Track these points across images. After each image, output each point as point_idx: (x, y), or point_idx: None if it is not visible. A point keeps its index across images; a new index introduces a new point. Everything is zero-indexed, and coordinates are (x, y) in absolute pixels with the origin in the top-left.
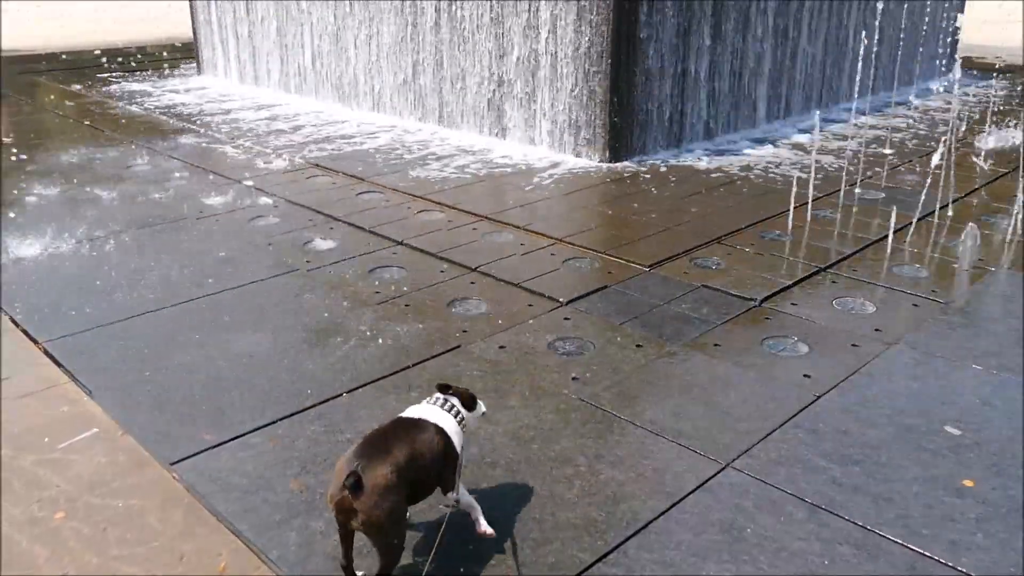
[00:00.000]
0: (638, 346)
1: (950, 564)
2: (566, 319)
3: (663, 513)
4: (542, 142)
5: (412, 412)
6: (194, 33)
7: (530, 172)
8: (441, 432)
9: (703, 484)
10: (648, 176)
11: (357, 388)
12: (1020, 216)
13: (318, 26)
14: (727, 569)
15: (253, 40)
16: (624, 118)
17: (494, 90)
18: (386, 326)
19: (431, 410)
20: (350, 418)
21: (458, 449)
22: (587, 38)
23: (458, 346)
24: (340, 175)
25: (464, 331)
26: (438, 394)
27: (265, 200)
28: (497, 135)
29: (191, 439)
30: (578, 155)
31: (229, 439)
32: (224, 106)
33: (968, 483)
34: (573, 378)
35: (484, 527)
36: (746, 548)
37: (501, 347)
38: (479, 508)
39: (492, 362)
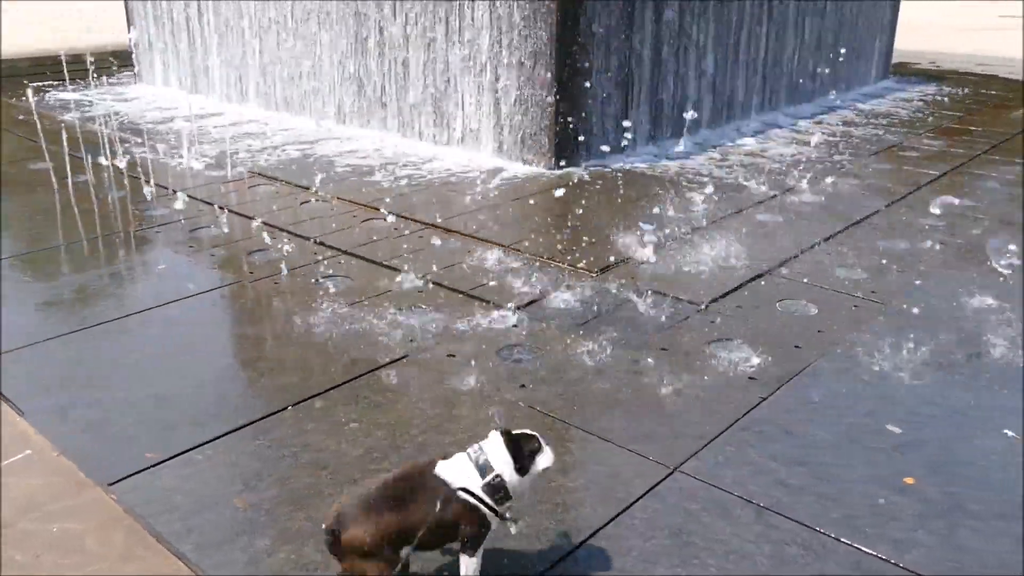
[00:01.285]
0: (586, 352)
1: (894, 562)
2: (514, 326)
3: (612, 519)
4: (488, 149)
5: (445, 465)
6: (131, 40)
7: (476, 179)
8: (458, 499)
9: (652, 489)
10: (594, 181)
11: (302, 401)
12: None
13: (261, 32)
14: (677, 573)
15: (194, 47)
16: (569, 124)
17: (438, 98)
18: (333, 336)
19: (465, 468)
20: (296, 431)
21: (488, 516)
22: (531, 44)
23: (406, 355)
24: (282, 184)
25: (412, 340)
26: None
27: (208, 209)
28: (442, 143)
29: (131, 458)
30: (524, 162)
31: (170, 457)
32: (161, 115)
33: (909, 481)
34: (521, 386)
35: None
36: (695, 551)
37: (450, 355)
38: None
39: (440, 371)
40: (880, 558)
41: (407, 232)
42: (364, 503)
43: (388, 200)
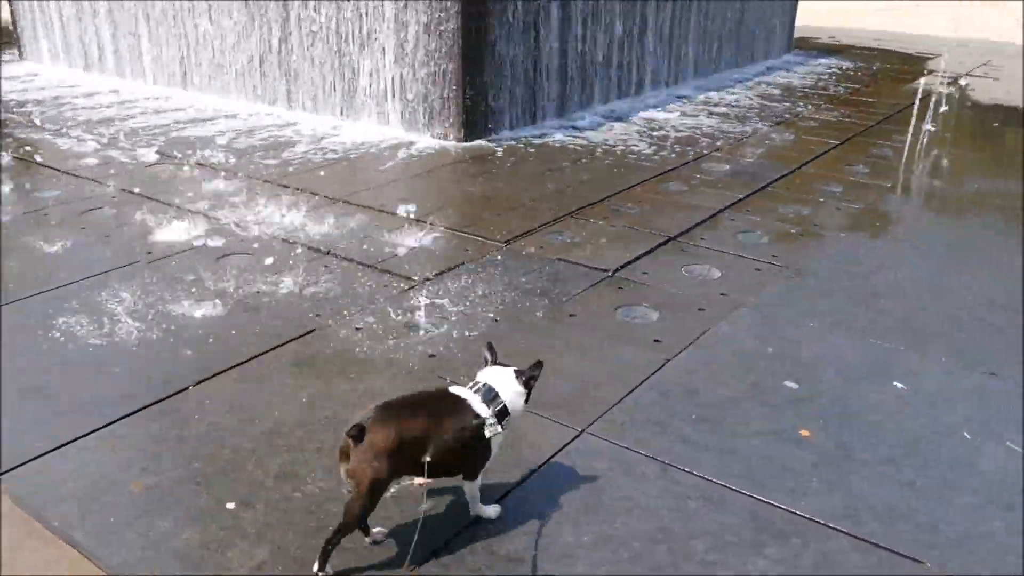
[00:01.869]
0: (495, 320)
1: (789, 509)
2: (423, 297)
3: (521, 482)
4: (396, 123)
5: (458, 389)
6: (12, 14)
7: (384, 153)
8: (479, 421)
9: (560, 451)
10: (503, 153)
11: (205, 380)
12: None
13: (154, 7)
14: (585, 532)
15: (83, 21)
16: (478, 96)
17: (344, 71)
18: (237, 314)
19: (476, 397)
20: (199, 410)
21: (493, 446)
22: (438, 15)
23: (313, 330)
24: (185, 163)
25: (318, 315)
26: (484, 380)
27: (102, 190)
28: (349, 117)
29: (19, 447)
30: (433, 135)
31: (62, 444)
32: (50, 93)
33: (805, 433)
34: (430, 356)
35: (486, 510)
36: (603, 510)
37: (357, 328)
38: (490, 508)
39: (348, 345)
40: (776, 506)
41: (315, 207)
42: (391, 409)
43: (293, 175)
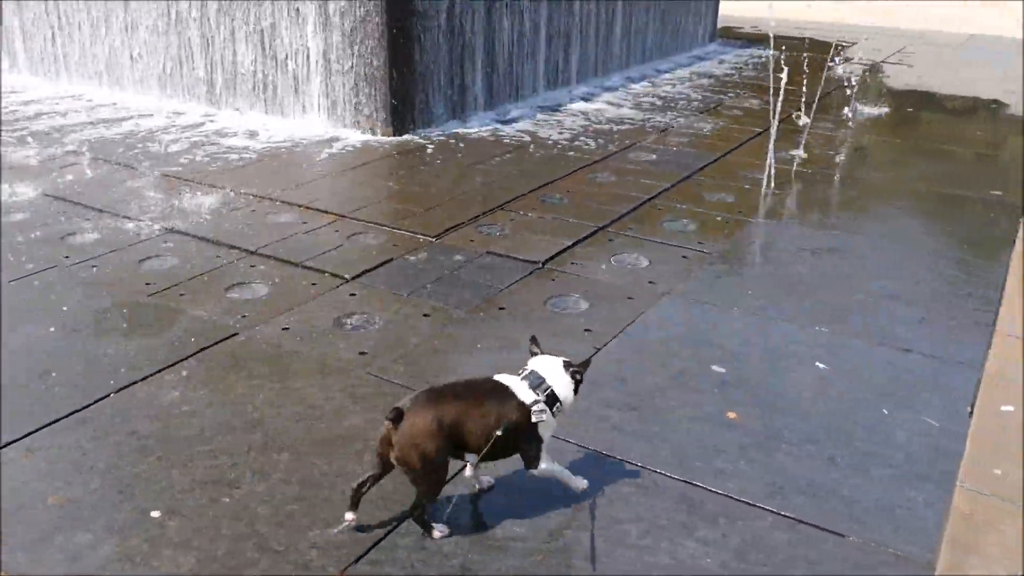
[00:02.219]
0: (426, 315)
1: (718, 491)
2: (352, 295)
3: (453, 477)
4: (323, 119)
5: (506, 378)
6: None
7: (311, 149)
8: (523, 409)
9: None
10: (432, 147)
11: (126, 387)
12: (772, 171)
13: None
14: (516, 523)
15: None
16: (405, 91)
17: (267, 66)
18: (159, 319)
19: (522, 384)
20: (121, 418)
21: (542, 432)
22: (362, 10)
23: (238, 332)
24: (100, 162)
25: (244, 316)
26: (532, 368)
27: (18, 193)
28: (275, 114)
29: None
30: (360, 130)
31: None
32: None
33: (732, 416)
34: (361, 353)
35: (578, 483)
36: (535, 500)
37: (284, 329)
38: (565, 471)
39: (275, 345)
40: (706, 488)
41: (239, 206)
42: (430, 395)
43: (216, 173)
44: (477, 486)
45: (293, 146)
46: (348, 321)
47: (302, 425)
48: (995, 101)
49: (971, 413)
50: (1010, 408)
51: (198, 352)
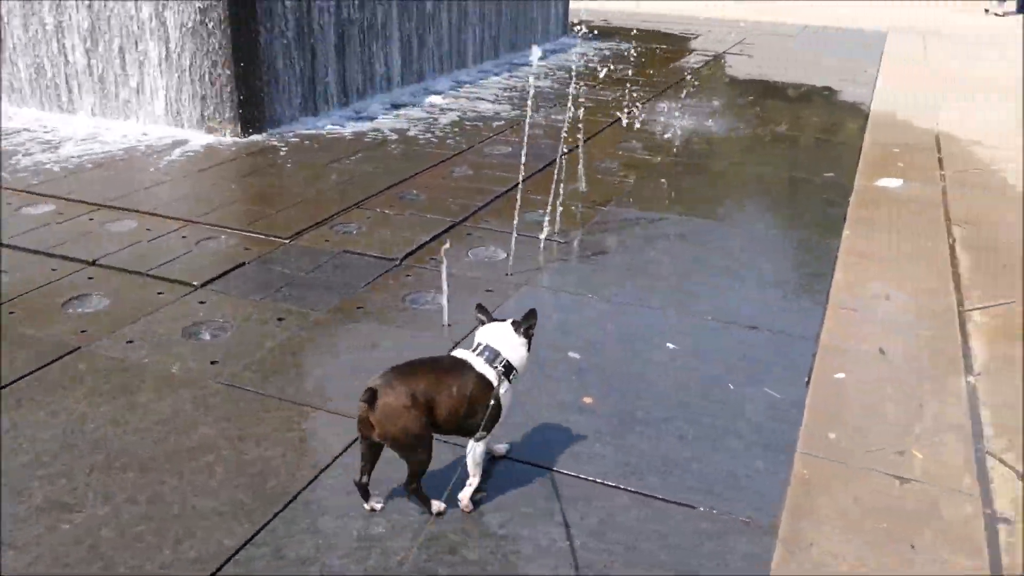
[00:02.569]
0: (280, 320)
1: (575, 474)
2: (201, 303)
3: (312, 481)
4: (168, 121)
5: (463, 353)
6: None
7: (154, 153)
8: (482, 382)
9: (350, 446)
10: (284, 147)
11: None
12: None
13: None
14: (378, 523)
15: None
16: (253, 90)
17: (104, 66)
18: None
19: (479, 360)
20: None
21: (503, 403)
22: (204, 6)
23: (77, 348)
24: None
25: (83, 331)
26: (490, 341)
27: None
28: (112, 115)
29: None
30: (207, 131)
31: None
32: None
33: (588, 400)
34: (212, 362)
35: (466, 501)
36: (397, 500)
37: (129, 342)
38: (479, 479)
39: (118, 360)
40: (565, 473)
41: (76, 215)
42: (395, 372)
43: (50, 181)
44: (494, 454)
45: (134, 150)
46: (198, 330)
47: (148, 441)
48: (828, 88)
49: (808, 382)
50: (842, 376)
51: (33, 372)
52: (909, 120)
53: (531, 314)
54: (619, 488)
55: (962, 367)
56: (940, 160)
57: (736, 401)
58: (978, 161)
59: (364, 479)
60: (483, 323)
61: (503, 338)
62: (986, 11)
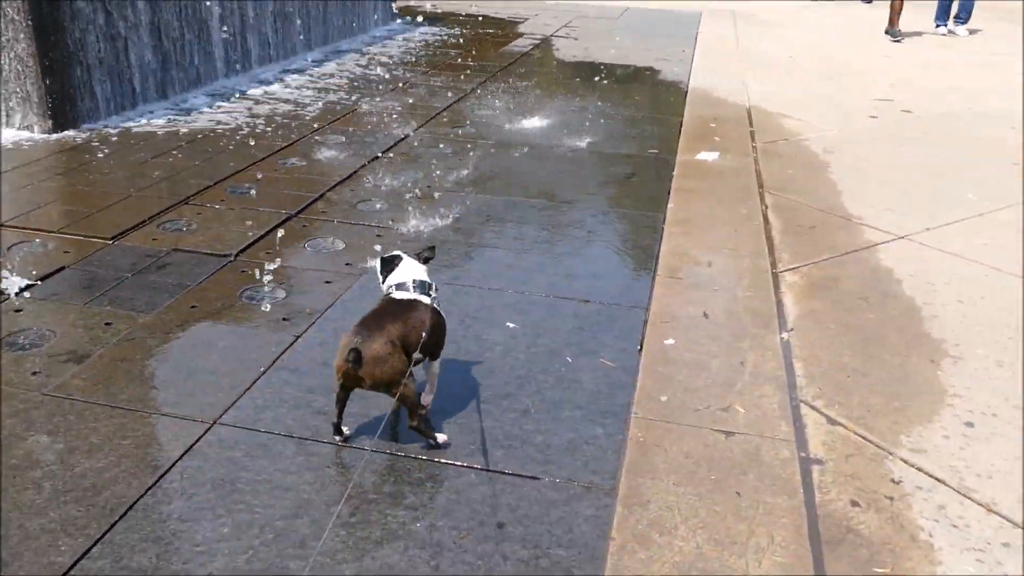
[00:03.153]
0: (107, 324)
1: (422, 457)
2: (18, 311)
3: (150, 488)
4: None
5: (401, 294)
6: None
7: None
8: (432, 310)
9: (190, 448)
10: (101, 143)
11: None
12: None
13: None
14: (223, 523)
15: None
16: (60, 83)
17: None
18: None
19: (421, 294)
20: None
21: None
22: None
23: None
24: None
25: None
26: (413, 276)
27: None
28: None
29: None
30: (12, 128)
31: None
32: None
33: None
34: (33, 374)
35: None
36: (241, 497)
37: None
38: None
39: None
40: (414, 457)
41: None
42: (366, 326)
43: None
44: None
45: None
46: (16, 340)
47: None
48: (650, 68)
49: (640, 349)
50: (671, 341)
51: None
52: (724, 96)
53: (432, 248)
54: (465, 467)
55: (776, 325)
56: (752, 132)
57: (574, 372)
58: (787, 132)
59: (337, 420)
60: (393, 268)
61: (421, 270)
62: (886, 32)
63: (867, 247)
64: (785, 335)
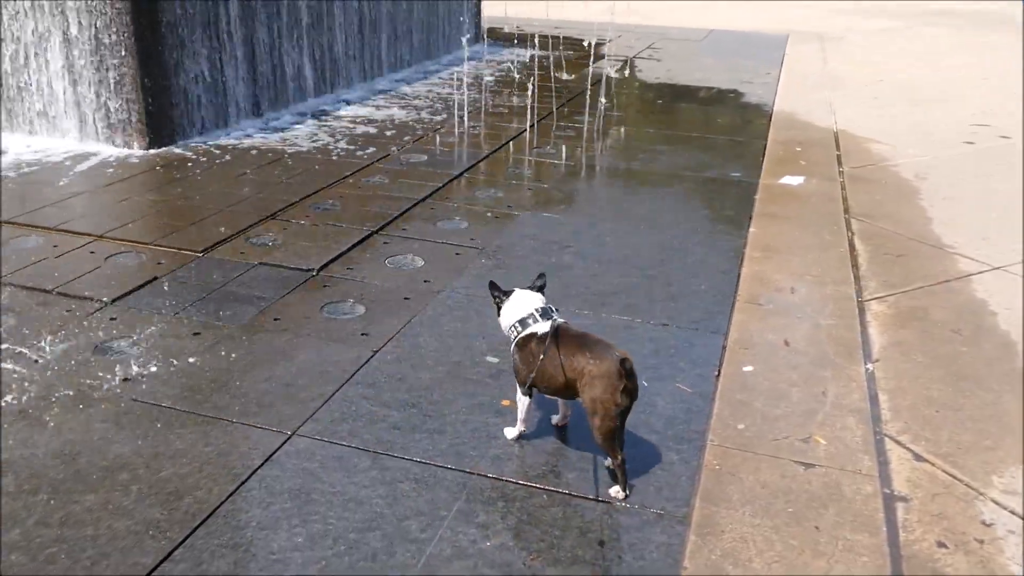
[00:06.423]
0: (196, 334)
1: (494, 476)
2: (113, 319)
3: (230, 496)
4: (73, 134)
5: (543, 322)
6: None
7: (60, 167)
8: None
9: (269, 458)
10: (195, 159)
11: None
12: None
13: None
14: (298, 533)
15: None
16: (160, 101)
17: (8, 79)
18: None
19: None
20: None
21: None
22: (107, 15)
23: None
24: None
25: None
26: (535, 305)
27: None
28: (16, 130)
29: None
30: (114, 144)
31: None
32: None
33: (506, 403)
34: (125, 379)
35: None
36: (315, 508)
37: (36, 361)
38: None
39: (27, 379)
40: (484, 475)
41: None
42: (599, 344)
43: None
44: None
45: (39, 164)
46: (110, 347)
47: (59, 462)
48: (734, 90)
49: (718, 376)
50: (750, 368)
51: None
52: (809, 119)
53: (541, 276)
54: (538, 488)
55: (861, 355)
56: (839, 157)
57: (651, 396)
58: (875, 157)
59: (621, 461)
60: (503, 299)
61: (539, 299)
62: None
63: (959, 277)
64: (870, 366)
